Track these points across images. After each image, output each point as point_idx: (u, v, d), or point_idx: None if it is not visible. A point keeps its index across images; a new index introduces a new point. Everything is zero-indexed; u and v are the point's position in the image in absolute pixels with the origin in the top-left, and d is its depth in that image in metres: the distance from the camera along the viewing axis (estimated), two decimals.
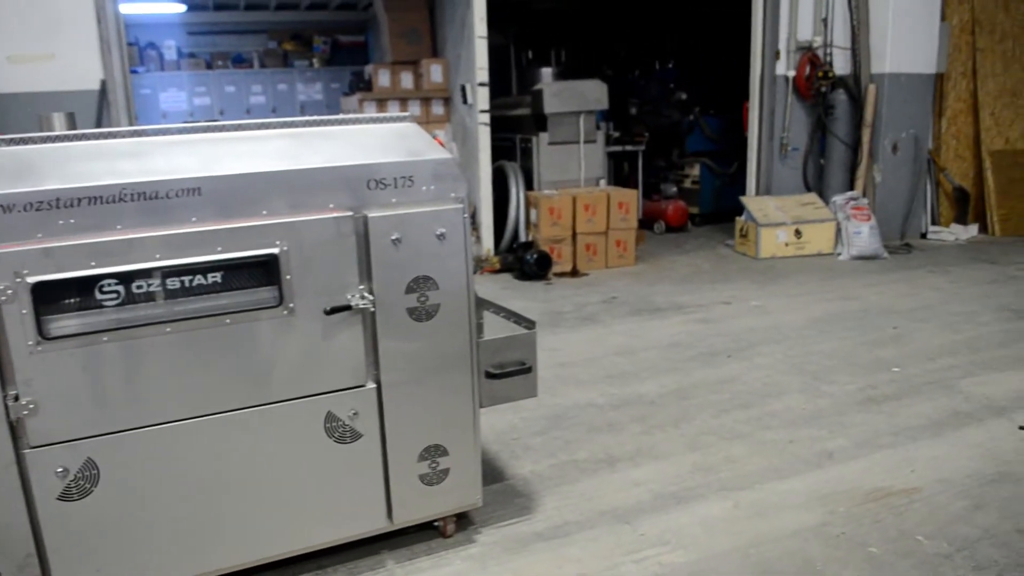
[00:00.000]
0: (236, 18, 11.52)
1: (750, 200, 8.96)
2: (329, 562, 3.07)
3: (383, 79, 8.76)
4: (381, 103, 8.66)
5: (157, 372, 2.57)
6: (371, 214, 2.74)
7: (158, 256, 2.49)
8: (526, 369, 3.20)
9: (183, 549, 2.73)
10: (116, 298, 2.48)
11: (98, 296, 2.46)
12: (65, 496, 2.54)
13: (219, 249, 2.56)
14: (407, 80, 8.81)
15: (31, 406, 2.44)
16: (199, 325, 2.59)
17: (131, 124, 6.39)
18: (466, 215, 2.90)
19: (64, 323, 2.45)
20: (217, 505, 2.74)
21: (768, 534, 3.22)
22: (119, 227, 2.47)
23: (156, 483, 2.64)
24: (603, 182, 8.86)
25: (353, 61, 11.75)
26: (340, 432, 2.85)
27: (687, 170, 11.03)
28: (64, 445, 2.51)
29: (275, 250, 2.63)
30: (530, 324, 3.31)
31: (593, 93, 8.72)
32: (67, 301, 2.45)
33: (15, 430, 2.45)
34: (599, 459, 3.96)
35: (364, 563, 3.09)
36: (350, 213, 2.72)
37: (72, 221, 2.41)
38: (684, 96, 11.08)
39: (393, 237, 2.77)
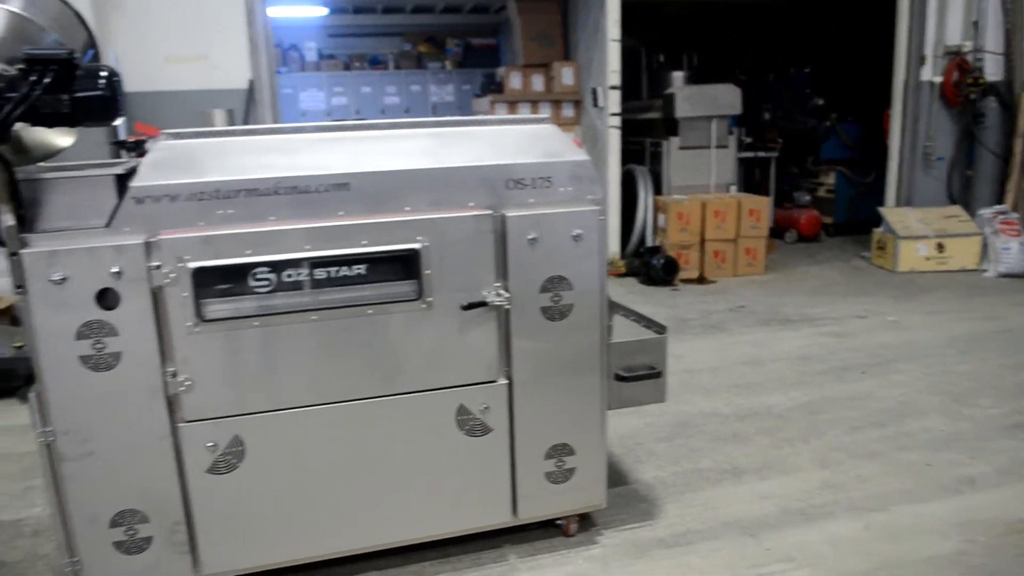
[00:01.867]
0: (373, 21, 11.89)
1: (889, 211, 8.60)
2: (454, 551, 3.14)
3: (515, 81, 8.86)
4: (512, 105, 8.76)
5: (302, 357, 2.69)
6: (509, 213, 2.79)
7: (307, 247, 2.61)
8: (656, 374, 3.18)
9: (317, 528, 2.84)
10: (267, 285, 2.61)
11: (251, 283, 2.60)
12: (213, 470, 2.69)
13: (364, 242, 2.66)
14: (538, 83, 8.88)
15: (188, 383, 2.60)
16: (342, 314, 2.70)
17: (275, 122, 6.70)
18: (602, 217, 2.91)
19: (219, 307, 2.60)
20: (351, 488, 2.84)
21: (900, 559, 3.09)
22: (272, 218, 2.60)
23: (296, 464, 2.77)
24: (734, 188, 8.69)
25: (484, 64, 11.93)
26: (471, 425, 2.91)
27: (821, 178, 10.68)
28: (214, 421, 2.66)
29: (417, 245, 2.71)
30: (661, 329, 3.29)
31: (726, 97, 8.56)
32: (223, 286, 2.59)
33: (172, 405, 2.62)
34: (724, 469, 3.89)
35: (487, 555, 3.14)
36: (489, 212, 2.77)
37: (230, 211, 2.56)
38: (821, 102, 10.73)
39: (530, 237, 2.81)
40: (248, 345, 2.63)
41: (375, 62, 11.88)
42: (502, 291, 2.81)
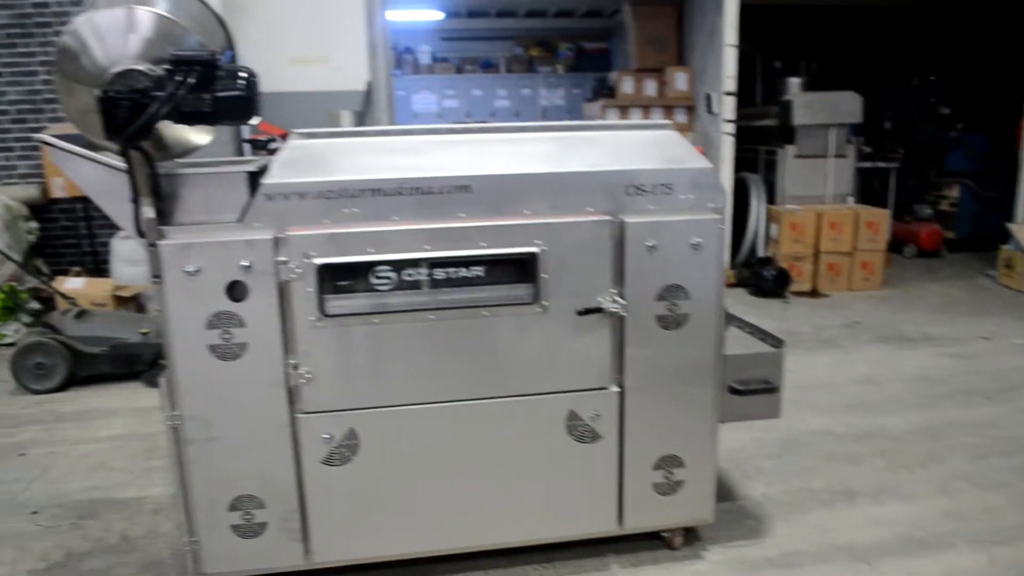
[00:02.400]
0: (487, 25, 12.00)
1: (1019, 228, 8.15)
2: (557, 557, 3.13)
3: (627, 86, 8.79)
4: (624, 110, 8.70)
5: (418, 355, 2.73)
6: (628, 219, 2.76)
7: (427, 247, 2.64)
8: (771, 389, 3.10)
9: (423, 524, 2.88)
10: (388, 284, 2.66)
11: (372, 280, 2.65)
12: (328, 461, 2.76)
13: (483, 244, 2.67)
14: (651, 88, 8.80)
15: (308, 375, 2.67)
16: (459, 315, 2.72)
17: (390, 123, 6.84)
18: (722, 226, 2.85)
19: (341, 303, 2.66)
20: (459, 488, 2.87)
21: None
22: (395, 218, 2.64)
23: (406, 460, 2.81)
24: (851, 199, 8.40)
25: (595, 68, 11.89)
26: (580, 431, 2.90)
27: (944, 191, 10.20)
28: (331, 414, 2.73)
29: (535, 249, 2.71)
30: (778, 342, 3.20)
31: (846, 105, 8.28)
32: (345, 283, 2.65)
33: (292, 396, 2.69)
34: (836, 491, 3.76)
35: (589, 563, 3.12)
36: (608, 217, 2.75)
37: (355, 210, 2.62)
38: (946, 111, 10.26)
39: (648, 244, 2.77)
40: (366, 341, 2.69)
41: (486, 65, 11.98)
42: (618, 298, 2.79)
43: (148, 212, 2.50)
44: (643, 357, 2.88)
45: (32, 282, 6.81)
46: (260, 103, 2.46)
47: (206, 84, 2.32)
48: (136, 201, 2.49)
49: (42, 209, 7.65)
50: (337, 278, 2.64)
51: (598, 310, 2.78)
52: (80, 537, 3.48)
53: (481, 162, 2.73)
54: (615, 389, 2.90)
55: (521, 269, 2.75)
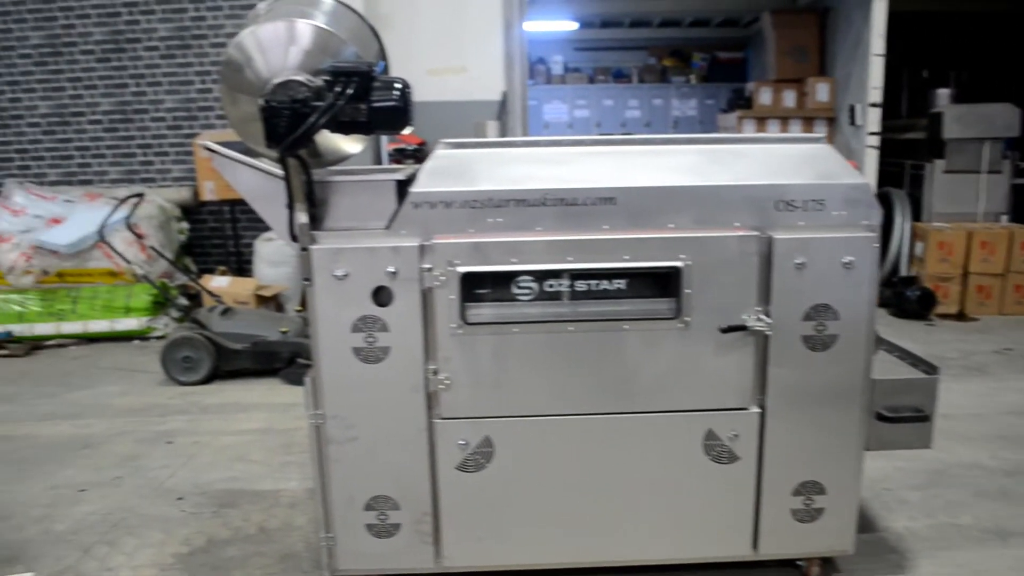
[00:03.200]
0: (620, 35, 11.94)
1: None
2: None
3: (764, 97, 8.57)
4: (761, 121, 8.48)
5: (555, 367, 2.72)
6: (776, 235, 2.67)
7: (570, 259, 2.63)
8: (923, 417, 2.93)
9: (554, 536, 2.87)
10: (529, 294, 2.66)
11: (514, 290, 2.66)
12: (463, 467, 2.78)
13: (626, 257, 2.64)
14: (789, 99, 8.54)
15: (447, 381, 2.70)
16: (599, 327, 2.70)
17: (524, 134, 6.88)
18: (876, 245, 2.72)
19: (483, 311, 2.68)
20: (591, 502, 2.84)
21: None
22: (538, 228, 2.65)
23: (540, 470, 2.80)
24: (1005, 218, 7.90)
25: (729, 78, 11.64)
26: (718, 452, 2.82)
27: None
28: (468, 421, 2.76)
29: (679, 263, 2.66)
30: (931, 368, 3.03)
31: (1002, 118, 7.81)
32: (487, 292, 2.67)
33: (430, 401, 2.73)
34: (987, 528, 3.53)
35: None
36: (755, 233, 2.67)
37: (499, 220, 2.63)
38: None
39: (797, 261, 2.67)
40: (506, 350, 2.70)
41: (619, 75, 11.91)
42: (763, 316, 2.70)
43: (302, 218, 2.58)
44: (787, 378, 2.78)
45: (181, 279, 7.21)
46: (412, 113, 2.51)
47: (362, 95, 2.39)
48: (291, 207, 2.58)
49: (192, 211, 8.10)
50: (479, 287, 2.67)
51: (742, 328, 2.70)
52: (221, 525, 3.64)
53: (626, 174, 2.70)
54: (756, 410, 2.81)
55: (664, 283, 2.70)
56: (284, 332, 5.71)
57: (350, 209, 2.69)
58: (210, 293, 6.45)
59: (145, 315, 6.88)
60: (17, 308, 6.89)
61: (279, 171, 2.56)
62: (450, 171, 2.68)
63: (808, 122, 8.40)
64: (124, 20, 8.02)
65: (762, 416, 2.81)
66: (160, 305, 6.86)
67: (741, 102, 8.92)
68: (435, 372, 2.70)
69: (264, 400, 5.30)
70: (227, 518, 3.71)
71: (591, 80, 11.83)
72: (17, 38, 8.08)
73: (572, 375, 2.74)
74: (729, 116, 9.01)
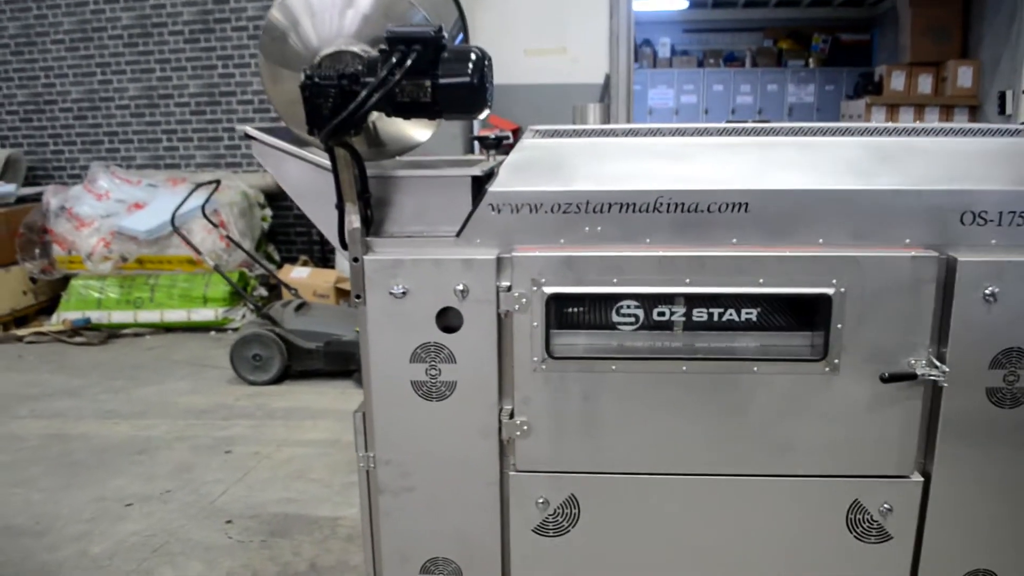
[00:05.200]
0: (732, 15, 11.15)
1: None
2: None
3: (896, 82, 7.72)
4: (892, 109, 7.64)
5: (662, 413, 2.16)
6: (962, 257, 2.03)
7: (688, 280, 2.06)
8: None
9: None
10: (633, 323, 2.10)
11: (614, 317, 2.11)
12: (541, 529, 2.25)
13: (760, 281, 2.05)
14: (925, 84, 7.67)
15: (525, 426, 2.18)
16: (720, 368, 2.12)
17: (628, 120, 6.28)
18: None
19: (573, 342, 2.14)
20: None
21: None
22: (648, 241, 2.08)
23: (638, 539, 2.25)
24: None
25: (852, 62, 10.72)
26: (864, 527, 2.21)
27: None
28: (549, 475, 2.22)
29: (829, 290, 2.05)
30: None
31: None
32: (580, 318, 2.14)
33: (504, 448, 2.21)
34: None
35: None
36: (932, 253, 2.04)
37: (599, 229, 2.08)
38: None
39: (987, 291, 2.03)
40: (600, 391, 2.15)
41: (730, 59, 11.13)
42: (937, 361, 2.07)
43: (353, 221, 2.09)
44: (962, 441, 2.14)
45: (261, 268, 6.89)
46: (492, 94, 1.97)
47: (427, 68, 1.86)
48: (341, 207, 2.09)
49: (277, 197, 7.79)
50: (570, 312, 2.13)
51: (910, 376, 2.07)
52: (268, 558, 3.22)
53: (763, 173, 2.10)
54: (918, 479, 2.18)
55: (807, 315, 2.11)
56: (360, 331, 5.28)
57: (413, 211, 2.18)
58: (286, 286, 6.09)
59: (222, 305, 6.60)
60: (96, 295, 6.71)
61: (327, 163, 2.07)
62: (539, 165, 2.14)
63: (947, 110, 7.54)
64: (212, 1, 7.76)
65: (926, 487, 2.17)
66: (238, 296, 6.55)
67: (871, 87, 8.06)
68: (511, 414, 2.17)
69: (334, 406, 4.90)
70: (276, 549, 3.29)
71: (700, 64, 11.11)
72: (108, 19, 7.91)
73: (682, 425, 2.17)
74: (856, 103, 8.19)
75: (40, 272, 7.07)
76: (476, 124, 6.33)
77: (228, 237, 6.28)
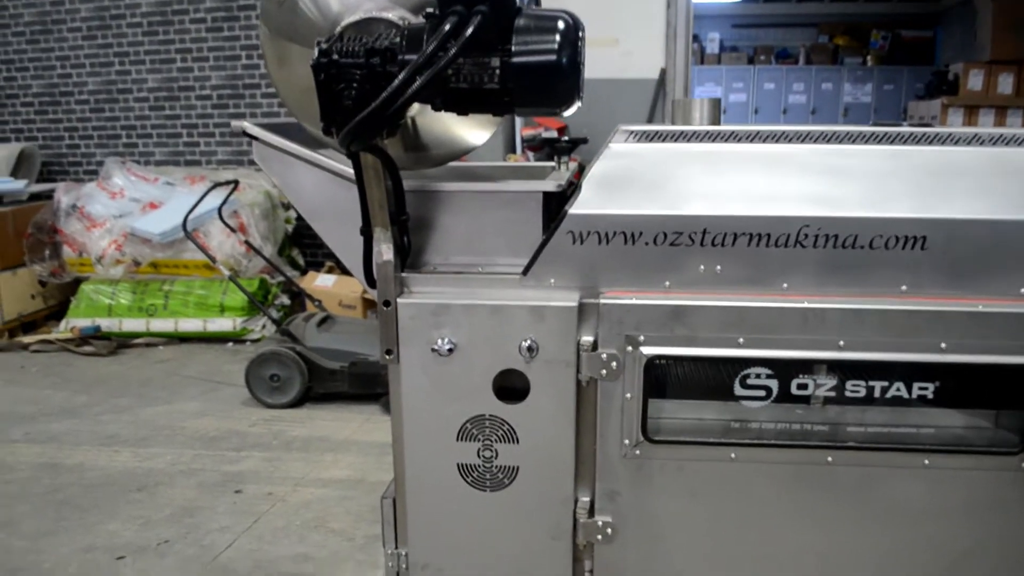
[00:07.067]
0: (785, 10, 10.49)
1: None
2: None
3: (974, 81, 7.06)
4: (971, 110, 6.99)
5: (795, 518, 1.60)
6: None
7: (841, 343, 1.50)
8: None
9: None
10: (764, 397, 1.54)
11: (738, 389, 1.55)
12: None
13: (942, 345, 1.48)
14: (1005, 84, 7.01)
15: (608, 529, 1.63)
16: (878, 460, 1.56)
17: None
18: None
19: (680, 420, 1.59)
20: None
21: None
22: (786, 286, 1.52)
23: None
24: None
25: (913, 60, 10.04)
26: None
27: None
28: None
29: None
30: None
31: None
32: (690, 389, 1.58)
33: (579, 555, 1.66)
34: None
35: None
36: None
37: (718, 268, 1.53)
38: None
39: None
40: (714, 487, 1.59)
41: (783, 55, 10.48)
42: None
43: (384, 251, 1.55)
44: None
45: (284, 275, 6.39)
46: (582, 79, 1.42)
47: (495, 42, 1.31)
48: (367, 232, 1.55)
49: None
50: (675, 380, 1.57)
51: None
52: None
53: (943, 196, 1.54)
54: None
55: (1002, 392, 1.54)
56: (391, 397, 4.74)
57: (464, 238, 1.65)
58: (308, 296, 5.57)
59: (241, 315, 6.10)
60: (107, 300, 6.24)
61: (351, 172, 1.53)
62: (636, 179, 1.58)
63: None
64: None
65: None
66: (259, 304, 6.06)
67: (946, 87, 7.40)
68: (590, 512, 1.63)
69: (358, 436, 4.37)
70: None
71: (750, 60, 10.48)
72: (127, 5, 7.45)
73: (825, 535, 1.60)
74: (930, 103, 7.53)
75: (49, 275, 6.61)
76: (520, 122, 5.79)
77: (247, 242, 5.78)
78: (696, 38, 10.45)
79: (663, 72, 5.88)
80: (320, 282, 6.10)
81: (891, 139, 1.60)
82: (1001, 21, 7.11)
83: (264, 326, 6.13)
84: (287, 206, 6.97)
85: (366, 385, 4.76)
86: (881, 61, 10.31)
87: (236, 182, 5.30)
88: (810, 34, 10.65)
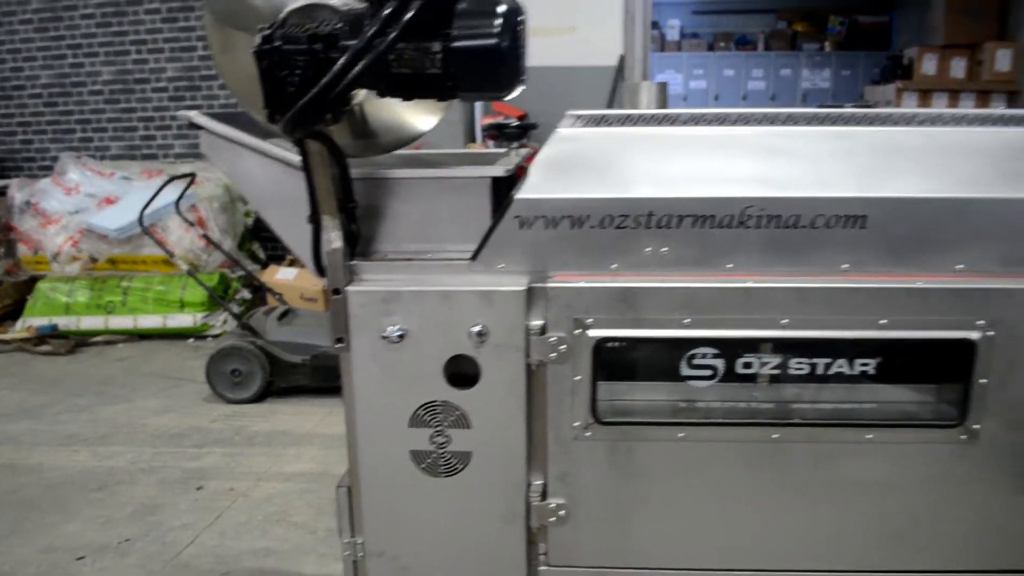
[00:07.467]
0: None
1: None
2: None
3: (927, 66, 7.16)
4: (925, 94, 7.09)
5: (745, 494, 1.63)
6: None
7: (784, 321, 1.52)
8: None
9: None
10: (710, 376, 1.57)
11: (684, 369, 1.57)
12: None
13: (881, 321, 1.52)
14: (958, 68, 7.12)
15: (561, 511, 1.64)
16: (823, 436, 1.59)
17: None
18: None
19: (628, 401, 1.61)
20: None
21: None
22: (731, 266, 1.55)
23: None
24: None
25: (870, 45, 10.16)
26: None
27: None
28: (592, 572, 1.69)
29: (972, 333, 1.52)
30: None
31: None
32: (638, 370, 1.60)
33: (533, 538, 1.68)
34: None
35: None
36: None
37: (664, 250, 1.55)
38: None
39: None
40: (661, 466, 1.62)
41: (742, 42, 10.54)
42: None
43: (333, 239, 1.55)
44: None
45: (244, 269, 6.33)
46: (524, 64, 1.43)
47: (437, 26, 1.32)
48: (316, 220, 1.55)
49: None
50: (623, 362, 1.59)
51: None
52: None
53: (883, 175, 1.57)
54: None
55: (941, 367, 1.58)
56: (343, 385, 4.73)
57: (413, 225, 1.65)
58: (269, 290, 5.54)
59: (201, 310, 6.04)
60: (64, 299, 6.14)
61: (299, 160, 1.53)
62: (583, 164, 1.60)
63: (983, 96, 7.00)
64: None
65: None
66: (218, 300, 6.00)
67: (900, 71, 7.49)
68: (543, 494, 1.64)
69: (321, 429, 4.36)
70: None
71: (710, 47, 10.53)
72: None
73: (772, 510, 1.64)
74: (884, 88, 7.62)
75: (4, 273, 6.51)
76: (480, 109, 5.78)
77: (206, 236, 5.72)
78: (656, 25, 10.49)
79: (622, 59, 5.89)
80: (281, 275, 6.05)
81: (833, 120, 1.63)
82: (954, 4, 7.22)
83: (225, 321, 6.08)
84: (245, 200, 6.91)
85: (328, 378, 4.74)
86: (839, 47, 10.42)
87: (193, 175, 5.23)
88: (769, 20, 10.73)
